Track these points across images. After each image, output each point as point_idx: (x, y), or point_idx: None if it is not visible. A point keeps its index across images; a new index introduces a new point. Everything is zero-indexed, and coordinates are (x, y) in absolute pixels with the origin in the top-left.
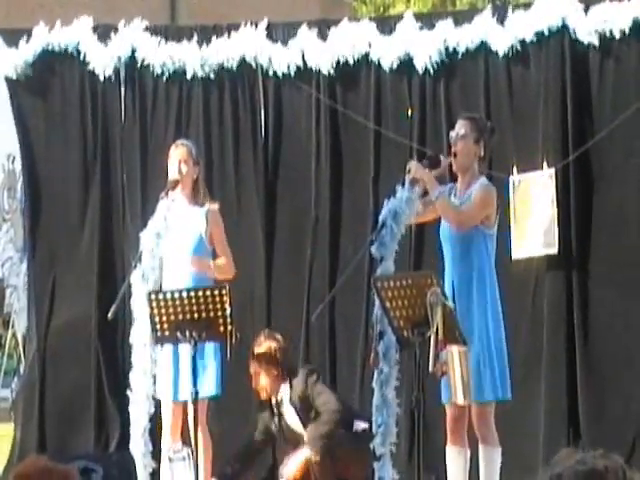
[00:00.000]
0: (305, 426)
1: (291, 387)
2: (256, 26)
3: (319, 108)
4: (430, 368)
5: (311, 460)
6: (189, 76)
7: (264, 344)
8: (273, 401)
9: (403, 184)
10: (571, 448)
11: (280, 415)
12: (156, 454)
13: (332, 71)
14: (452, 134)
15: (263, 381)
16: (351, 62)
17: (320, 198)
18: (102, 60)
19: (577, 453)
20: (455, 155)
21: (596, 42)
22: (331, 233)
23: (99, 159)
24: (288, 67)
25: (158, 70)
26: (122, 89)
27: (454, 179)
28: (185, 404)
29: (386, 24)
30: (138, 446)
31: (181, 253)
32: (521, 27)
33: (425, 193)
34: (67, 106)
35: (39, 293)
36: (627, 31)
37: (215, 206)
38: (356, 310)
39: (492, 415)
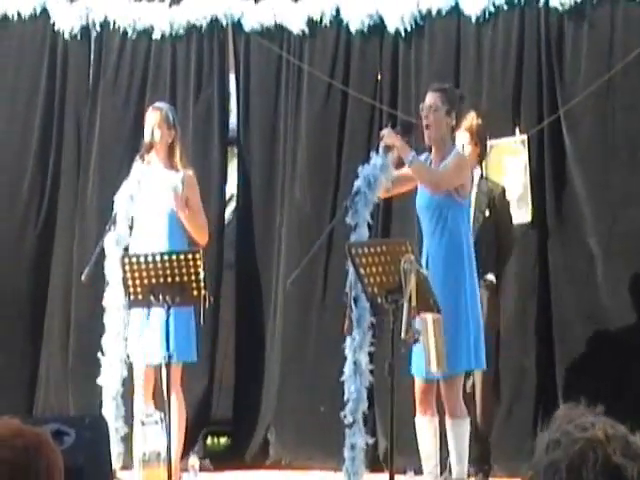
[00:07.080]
0: None
1: None
2: None
3: (288, 69)
4: (402, 335)
5: None
6: (157, 35)
7: None
8: None
9: (377, 151)
10: (569, 405)
11: None
12: (128, 418)
13: (302, 31)
14: (423, 106)
15: None
16: (321, 22)
17: (287, 159)
18: (69, 19)
19: (576, 414)
20: (427, 127)
21: (570, 7)
22: (295, 193)
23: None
24: (259, 26)
25: (126, 28)
26: (89, 48)
27: (429, 149)
28: (158, 368)
29: None
30: (110, 410)
31: (157, 216)
32: None
33: (400, 163)
34: (29, 64)
35: None
36: None
37: (190, 172)
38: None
39: (460, 386)
